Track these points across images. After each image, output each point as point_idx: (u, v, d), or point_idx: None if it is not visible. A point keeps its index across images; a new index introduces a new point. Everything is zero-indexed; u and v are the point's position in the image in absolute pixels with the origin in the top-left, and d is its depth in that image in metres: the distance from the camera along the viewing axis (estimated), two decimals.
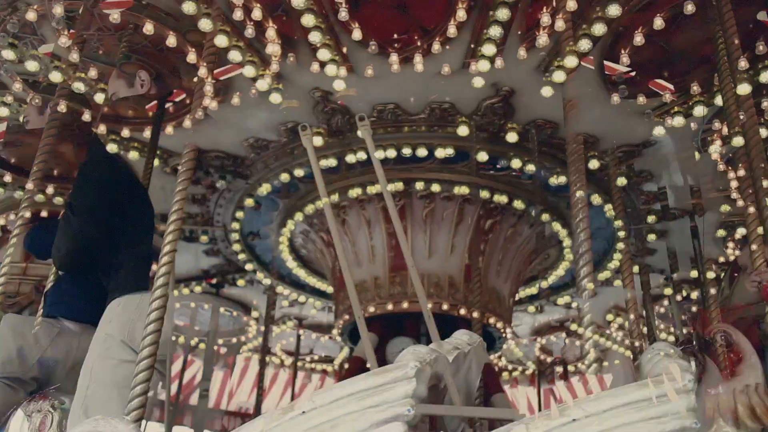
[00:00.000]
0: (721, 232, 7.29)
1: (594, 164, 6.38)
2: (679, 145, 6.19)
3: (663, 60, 5.35)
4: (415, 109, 6.04)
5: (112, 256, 3.90)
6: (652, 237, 7.52)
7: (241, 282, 8.47)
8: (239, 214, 7.32)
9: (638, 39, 5.06)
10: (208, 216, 7.45)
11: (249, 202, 7.15)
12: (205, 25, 4.93)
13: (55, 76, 5.22)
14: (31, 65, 5.28)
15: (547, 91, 5.53)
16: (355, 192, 6.73)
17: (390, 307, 6.80)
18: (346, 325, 7.19)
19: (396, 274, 6.88)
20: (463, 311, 6.79)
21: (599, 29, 5.02)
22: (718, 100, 5.56)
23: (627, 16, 5.04)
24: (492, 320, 6.95)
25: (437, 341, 4.52)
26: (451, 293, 6.80)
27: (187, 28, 5.08)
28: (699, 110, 5.69)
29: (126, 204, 4.07)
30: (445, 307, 6.76)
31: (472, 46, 5.26)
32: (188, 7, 4.82)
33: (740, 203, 6.77)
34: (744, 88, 5.30)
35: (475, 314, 6.80)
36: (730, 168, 6.45)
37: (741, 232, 7.19)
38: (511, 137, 6.15)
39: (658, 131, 5.88)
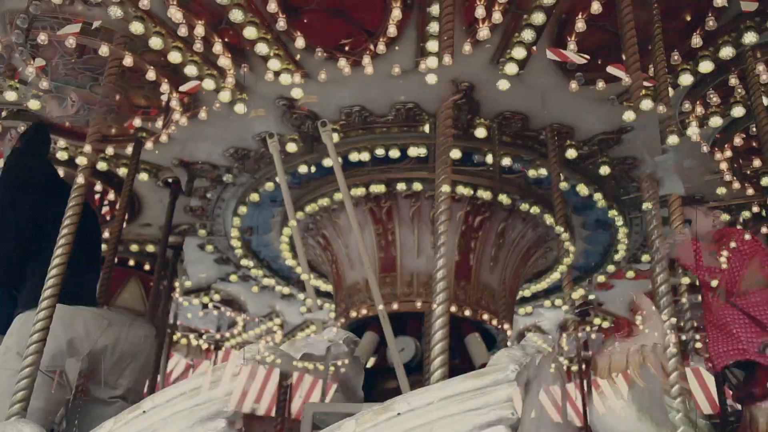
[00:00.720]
0: (725, 217, 7.01)
1: (572, 153, 6.27)
2: (656, 129, 6.01)
3: (612, 44, 5.22)
4: (382, 110, 6.09)
5: (24, 268, 4.11)
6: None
7: (233, 278, 8.65)
8: (239, 213, 7.46)
9: (580, 25, 4.98)
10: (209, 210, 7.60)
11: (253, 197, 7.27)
12: (155, 43, 5.18)
13: (34, 104, 5.59)
14: (10, 95, 5.65)
15: (503, 84, 5.50)
16: (339, 195, 6.80)
17: (380, 307, 6.83)
18: (346, 324, 7.23)
19: (386, 275, 6.93)
20: (453, 309, 6.77)
21: (539, 18, 4.98)
22: (685, 80, 5.42)
23: (566, 3, 4.99)
24: (485, 317, 6.90)
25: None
26: None
27: (142, 48, 5.33)
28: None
29: (41, 217, 4.23)
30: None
31: (421, 44, 5.29)
32: (136, 28, 5.05)
33: (736, 185, 6.56)
34: (705, 66, 5.18)
35: (467, 312, 6.77)
36: (716, 149, 6.24)
37: (745, 215, 6.93)
38: (480, 132, 6.12)
39: (628, 116, 5.73)
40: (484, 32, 5.02)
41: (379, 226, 6.95)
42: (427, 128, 6.19)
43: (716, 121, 5.78)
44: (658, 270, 3.85)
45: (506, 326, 7.25)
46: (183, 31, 5.05)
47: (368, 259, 5.47)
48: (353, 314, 7.00)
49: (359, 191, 6.72)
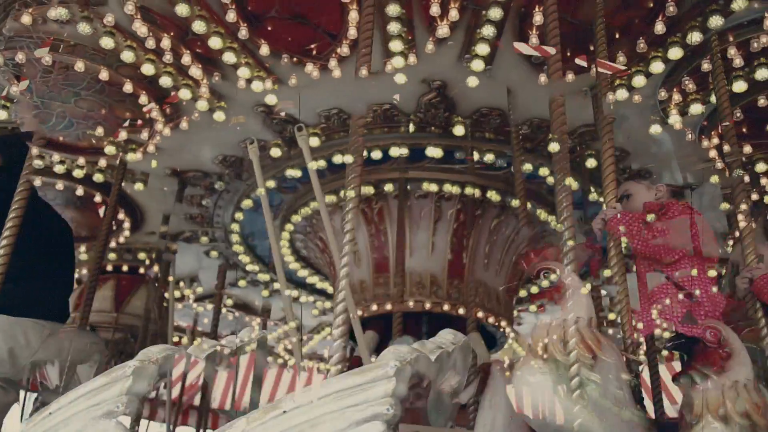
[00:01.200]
0: (724, 205, 6.82)
1: (554, 147, 6.18)
2: (641, 120, 5.92)
3: (576, 35, 5.16)
4: (359, 112, 6.12)
5: None
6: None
7: (242, 283, 8.78)
8: (237, 219, 7.60)
9: (538, 18, 4.93)
10: (209, 218, 7.76)
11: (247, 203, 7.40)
12: (127, 57, 5.34)
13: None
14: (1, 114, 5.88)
15: (473, 81, 5.48)
16: (330, 198, 6.88)
17: (374, 308, 6.89)
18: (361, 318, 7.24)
19: (380, 275, 6.97)
20: (446, 308, 6.77)
21: (496, 13, 4.96)
22: (656, 67, 5.32)
23: None
24: (480, 315, 6.87)
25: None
26: (433, 291, 6.79)
27: (117, 62, 5.49)
28: (639, 80, 5.43)
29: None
30: (428, 305, 6.75)
31: (384, 45, 5.32)
32: (106, 43, 5.22)
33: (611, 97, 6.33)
34: (675, 53, 5.10)
35: (461, 311, 6.75)
36: (703, 137, 6.09)
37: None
38: (459, 130, 6.11)
39: (606, 108, 5.63)
40: (443, 30, 5.02)
41: (372, 227, 7.00)
42: (411, 128, 6.19)
43: (697, 109, 5.63)
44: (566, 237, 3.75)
45: (504, 324, 7.22)
46: (150, 44, 5.18)
47: (339, 261, 5.47)
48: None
49: (349, 193, 6.77)
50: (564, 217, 3.77)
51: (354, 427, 2.50)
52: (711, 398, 3.69)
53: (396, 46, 5.20)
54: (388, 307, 6.82)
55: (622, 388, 3.65)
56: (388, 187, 6.71)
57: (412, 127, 6.07)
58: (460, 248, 6.91)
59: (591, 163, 6.38)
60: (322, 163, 6.53)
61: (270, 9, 5.10)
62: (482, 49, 5.22)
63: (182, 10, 4.95)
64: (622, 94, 5.53)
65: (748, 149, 6.11)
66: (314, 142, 6.31)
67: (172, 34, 5.25)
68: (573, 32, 5.11)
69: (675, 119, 5.73)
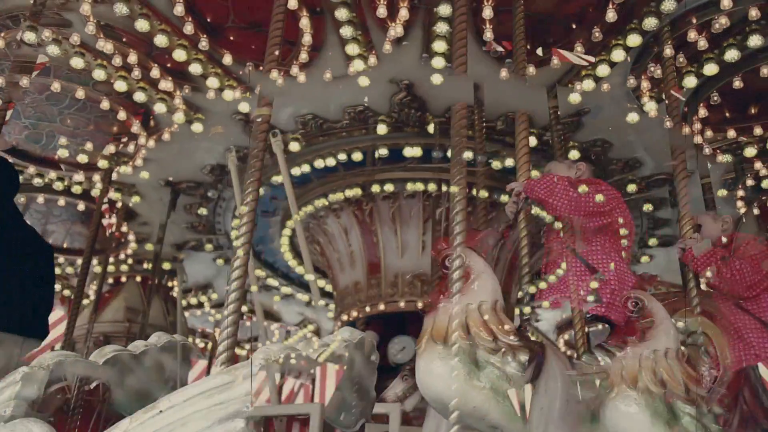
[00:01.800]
0: (722, 192, 6.61)
1: (533, 141, 6.10)
2: (615, 108, 5.80)
3: (534, 27, 5.10)
4: (335, 116, 6.20)
5: None
6: (648, 207, 7.00)
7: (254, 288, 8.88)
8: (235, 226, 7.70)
9: (487, 12, 4.90)
10: (210, 226, 7.90)
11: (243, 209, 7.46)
12: (98, 75, 5.53)
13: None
14: None
15: (437, 78, 5.47)
16: (320, 202, 6.94)
17: (368, 309, 6.92)
18: (345, 324, 7.32)
19: (372, 276, 6.99)
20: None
21: (445, 10, 4.94)
22: (617, 55, 5.22)
23: None
24: None
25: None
26: (423, 290, 6.78)
27: (93, 80, 5.69)
28: (603, 70, 5.33)
29: None
30: (420, 305, 6.73)
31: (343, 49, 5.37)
32: (76, 63, 5.42)
33: (720, 158, 6.21)
34: (633, 40, 5.02)
35: None
36: (685, 124, 5.92)
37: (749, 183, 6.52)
38: (432, 128, 6.10)
39: (574, 98, 5.56)
40: (395, 30, 5.04)
41: (364, 229, 7.03)
42: (384, 129, 6.19)
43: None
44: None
45: None
46: (117, 61, 5.36)
47: (309, 264, 5.55)
48: (344, 317, 7.11)
49: (338, 196, 6.84)
50: (456, 211, 3.68)
51: (217, 425, 2.56)
52: (628, 367, 3.59)
53: (353, 49, 5.25)
54: (382, 307, 6.84)
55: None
56: (376, 189, 6.69)
57: (384, 128, 6.07)
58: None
59: (574, 155, 6.27)
60: (306, 168, 6.64)
61: (227, 19, 5.20)
62: (440, 46, 5.20)
63: (143, 25, 5.09)
64: (588, 84, 5.46)
65: (732, 134, 5.94)
66: (294, 147, 6.42)
67: (138, 49, 5.40)
68: (530, 25, 5.05)
69: (650, 107, 5.59)
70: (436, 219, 6.86)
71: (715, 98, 5.50)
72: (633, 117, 5.69)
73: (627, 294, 3.95)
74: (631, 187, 6.71)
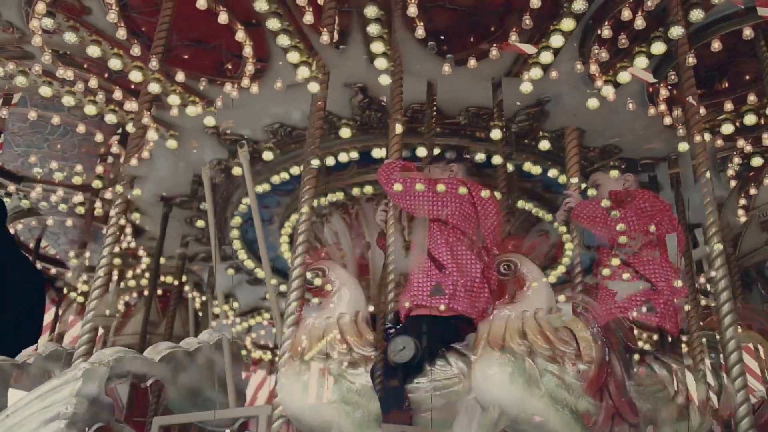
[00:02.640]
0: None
1: (497, 134, 6.02)
2: (576, 95, 5.65)
3: (467, 21, 5.06)
4: (302, 123, 6.29)
5: None
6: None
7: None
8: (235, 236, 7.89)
9: (412, 10, 4.90)
10: None
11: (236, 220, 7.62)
12: (67, 101, 5.84)
13: None
14: None
15: (384, 80, 5.49)
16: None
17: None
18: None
19: (362, 278, 6.99)
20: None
21: (372, 12, 4.97)
22: (556, 41, 5.12)
23: None
24: None
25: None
26: None
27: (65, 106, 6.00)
28: (546, 56, 5.22)
29: None
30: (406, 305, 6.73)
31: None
32: (45, 91, 5.74)
33: (698, 138, 5.94)
34: (567, 24, 4.94)
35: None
36: (651, 105, 5.72)
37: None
38: (398, 129, 6.07)
39: (525, 87, 5.46)
40: (325, 37, 5.09)
41: (353, 231, 7.07)
42: (345, 132, 6.22)
43: (624, 77, 5.32)
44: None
45: None
46: (80, 86, 5.65)
47: (268, 268, 5.64)
48: None
49: (322, 201, 6.92)
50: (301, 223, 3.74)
51: (42, 427, 2.69)
52: (493, 329, 3.66)
53: (293, 57, 5.33)
54: (371, 309, 6.85)
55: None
56: (356, 191, 6.73)
57: (348, 132, 6.12)
58: None
59: (544, 145, 6.15)
60: (285, 175, 6.76)
61: (171, 39, 5.37)
62: (378, 47, 5.23)
63: (94, 51, 5.35)
64: (536, 72, 5.36)
65: (703, 111, 5.67)
66: (268, 156, 6.55)
67: (98, 74, 5.66)
68: (459, 18, 5.01)
69: (607, 91, 5.43)
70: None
71: (673, 77, 5.28)
72: (593, 103, 5.54)
73: (500, 257, 3.98)
74: (614, 173, 6.49)
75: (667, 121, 5.69)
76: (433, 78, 5.64)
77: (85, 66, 5.68)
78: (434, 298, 4.36)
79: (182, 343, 4.59)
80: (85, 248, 7.30)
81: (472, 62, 5.23)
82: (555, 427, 3.48)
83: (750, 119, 5.72)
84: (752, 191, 6.32)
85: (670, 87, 5.48)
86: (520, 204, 6.83)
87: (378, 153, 6.32)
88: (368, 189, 6.74)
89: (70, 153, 6.57)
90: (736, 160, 6.09)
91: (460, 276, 4.37)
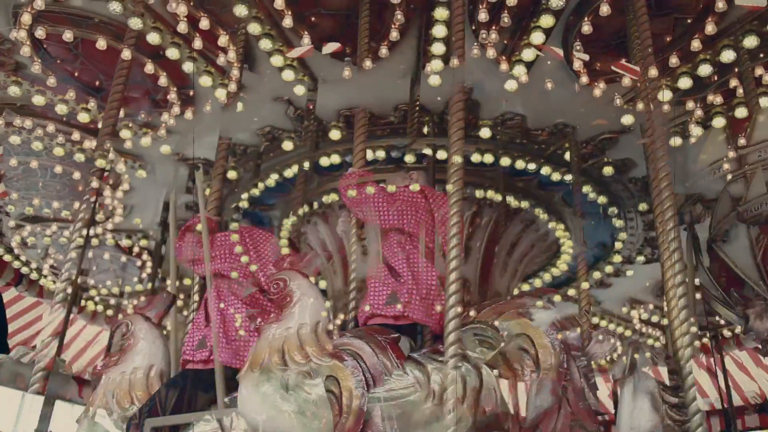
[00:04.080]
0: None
1: (427, 130, 5.95)
2: (495, 80, 5.49)
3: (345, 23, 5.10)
4: (251, 140, 6.49)
5: None
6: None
7: None
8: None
9: (287, 21, 4.98)
10: None
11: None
12: (36, 146, 6.42)
13: None
14: None
15: (299, 90, 5.61)
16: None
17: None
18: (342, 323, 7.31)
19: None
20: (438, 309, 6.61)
21: (256, 28, 5.12)
22: (438, 32, 5.04)
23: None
24: (472, 314, 6.62)
25: None
26: None
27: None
28: (438, 48, 5.13)
29: None
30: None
31: None
32: (14, 139, 6.32)
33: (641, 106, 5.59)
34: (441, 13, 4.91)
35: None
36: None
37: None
38: (335, 135, 6.16)
39: (434, 81, 5.36)
40: (224, 59, 5.29)
41: (362, 232, 6.97)
42: (290, 145, 6.38)
43: (528, 55, 5.12)
44: None
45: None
46: (39, 132, 6.19)
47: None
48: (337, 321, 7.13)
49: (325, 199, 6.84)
50: None
51: None
52: (257, 349, 3.75)
53: (206, 81, 5.59)
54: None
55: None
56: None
57: (290, 145, 6.26)
58: None
59: (486, 132, 6.00)
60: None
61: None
62: (277, 60, 5.37)
63: (38, 100, 5.88)
64: (437, 64, 5.26)
65: (627, 81, 5.32)
66: (232, 174, 6.78)
67: (54, 119, 6.18)
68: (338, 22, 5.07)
69: (519, 71, 5.25)
70: None
71: (578, 47, 5.00)
72: (510, 85, 5.38)
73: (272, 276, 4.01)
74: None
75: (597, 93, 5.38)
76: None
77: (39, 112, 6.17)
78: (389, 307, 4.39)
79: None
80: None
81: (367, 63, 5.21)
82: None
83: (685, 82, 5.29)
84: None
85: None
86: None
87: (326, 161, 6.39)
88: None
89: (64, 191, 7.11)
90: (693, 126, 5.63)
91: (416, 284, 4.39)
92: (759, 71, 5.26)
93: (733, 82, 5.34)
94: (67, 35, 5.24)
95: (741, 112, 5.35)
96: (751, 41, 5.04)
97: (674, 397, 4.18)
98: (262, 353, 3.83)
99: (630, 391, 4.30)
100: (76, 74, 5.82)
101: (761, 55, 5.19)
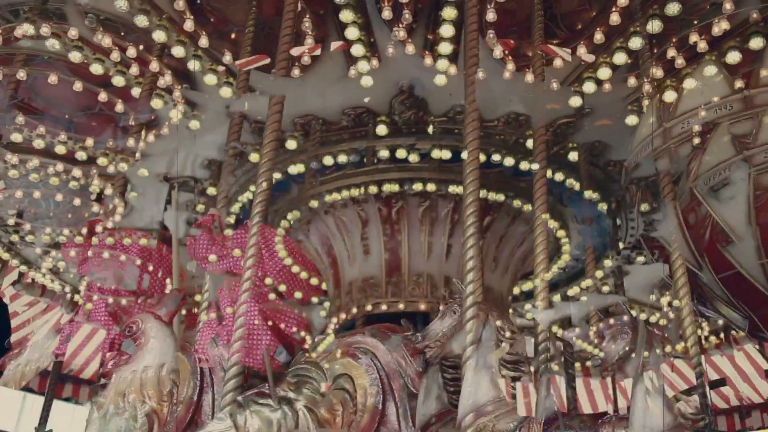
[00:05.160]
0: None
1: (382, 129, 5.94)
2: (428, 76, 5.42)
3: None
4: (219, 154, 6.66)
5: None
6: None
7: None
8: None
9: (203, 42, 5.15)
10: None
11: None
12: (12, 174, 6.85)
13: None
14: None
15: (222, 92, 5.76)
16: (335, 196, 6.84)
17: (384, 307, 6.73)
18: (342, 322, 6.96)
19: (393, 274, 6.81)
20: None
21: (161, 36, 5.23)
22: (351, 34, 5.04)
23: None
24: None
25: None
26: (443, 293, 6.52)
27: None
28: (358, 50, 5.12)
29: None
30: (422, 306, 6.61)
31: None
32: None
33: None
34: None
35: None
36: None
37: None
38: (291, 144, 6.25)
39: (366, 82, 5.38)
40: (164, 80, 5.50)
41: (388, 226, 6.88)
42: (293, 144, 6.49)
43: (446, 48, 5.04)
44: None
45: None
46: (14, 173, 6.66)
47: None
48: (343, 315, 6.92)
49: (361, 190, 6.76)
50: None
51: None
52: (107, 391, 4.04)
53: (157, 103, 5.84)
54: (401, 306, 6.66)
55: None
56: (417, 186, 6.52)
57: (294, 144, 6.40)
58: None
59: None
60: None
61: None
62: (211, 79, 5.52)
63: (17, 137, 6.29)
64: (363, 66, 5.25)
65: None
66: (211, 191, 6.96)
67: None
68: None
69: (442, 65, 5.17)
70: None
71: (491, 35, 4.87)
72: (440, 80, 5.29)
73: (132, 319, 4.16)
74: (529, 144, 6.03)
75: (529, 78, 5.20)
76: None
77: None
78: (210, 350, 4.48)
79: None
80: None
81: (296, 71, 5.26)
82: None
83: (620, 58, 5.04)
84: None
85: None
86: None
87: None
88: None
89: (65, 215, 7.52)
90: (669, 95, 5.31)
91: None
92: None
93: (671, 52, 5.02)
94: (21, 74, 5.60)
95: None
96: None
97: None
98: (108, 395, 4.16)
99: (643, 390, 4.12)
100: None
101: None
